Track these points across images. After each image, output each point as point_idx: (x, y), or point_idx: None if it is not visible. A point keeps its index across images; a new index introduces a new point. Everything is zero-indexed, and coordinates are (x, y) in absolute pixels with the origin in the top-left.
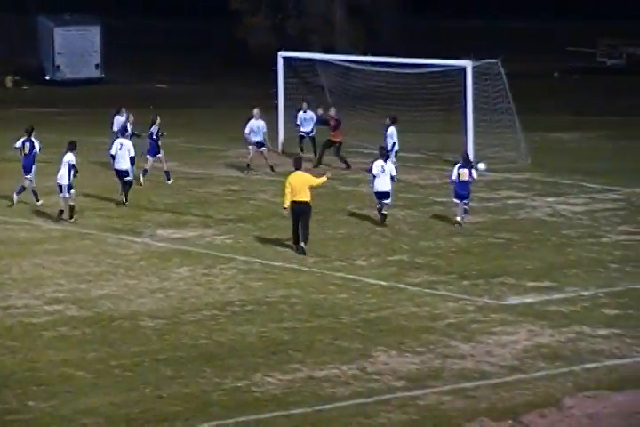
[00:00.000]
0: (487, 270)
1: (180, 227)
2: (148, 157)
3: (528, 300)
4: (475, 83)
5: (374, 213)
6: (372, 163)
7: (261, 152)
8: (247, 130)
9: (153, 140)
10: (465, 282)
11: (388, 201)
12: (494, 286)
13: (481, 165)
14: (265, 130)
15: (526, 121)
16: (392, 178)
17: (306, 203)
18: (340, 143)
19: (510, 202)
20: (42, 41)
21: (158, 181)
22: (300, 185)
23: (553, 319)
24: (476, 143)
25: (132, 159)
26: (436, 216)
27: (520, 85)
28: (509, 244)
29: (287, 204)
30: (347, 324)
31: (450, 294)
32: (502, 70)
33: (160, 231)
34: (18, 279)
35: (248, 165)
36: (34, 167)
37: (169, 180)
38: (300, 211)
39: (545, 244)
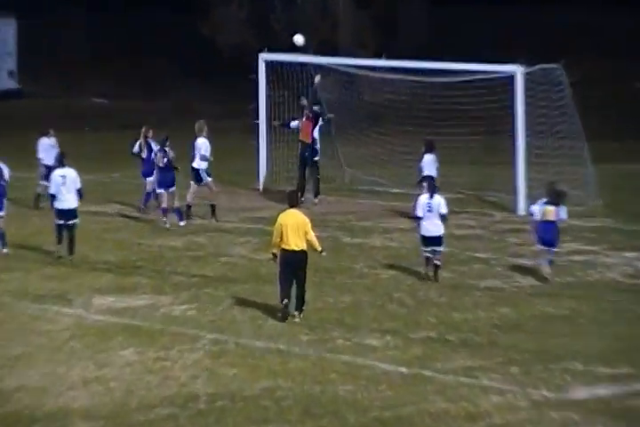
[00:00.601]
0: (544, 352)
1: (125, 293)
2: (161, 190)
3: (600, 392)
4: (527, 95)
5: (420, 269)
6: (416, 200)
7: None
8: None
9: (166, 167)
10: (514, 368)
11: (440, 248)
12: (554, 374)
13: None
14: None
15: (598, 149)
16: (442, 217)
17: (302, 252)
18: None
19: (576, 258)
20: None
21: (98, 229)
22: (296, 228)
23: (634, 419)
24: (528, 178)
25: (80, 192)
26: (475, 278)
27: (589, 100)
28: (575, 316)
29: (276, 250)
30: (353, 426)
31: (494, 384)
32: (565, 79)
33: (98, 299)
34: None
35: (212, 206)
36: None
37: (181, 220)
38: (295, 263)
39: (623, 316)
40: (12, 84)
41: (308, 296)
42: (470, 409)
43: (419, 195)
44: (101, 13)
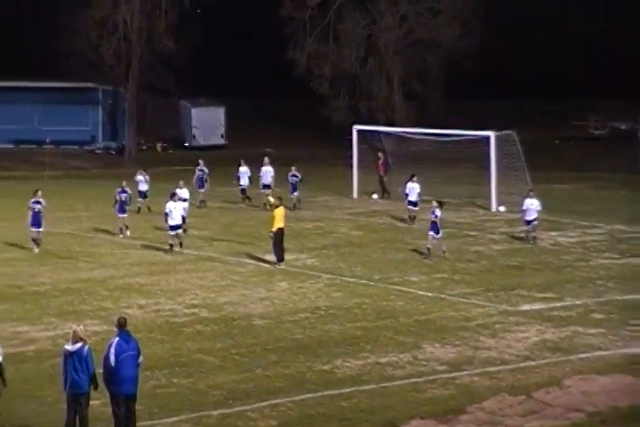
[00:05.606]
0: (506, 285)
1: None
2: None
3: (536, 307)
4: (497, 148)
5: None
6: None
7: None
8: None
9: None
10: (490, 293)
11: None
12: (511, 297)
13: (501, 208)
14: (249, 174)
15: (534, 176)
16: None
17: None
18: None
19: (523, 235)
20: (182, 118)
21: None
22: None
23: (555, 321)
24: (498, 192)
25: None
26: (468, 245)
27: (530, 150)
28: (522, 266)
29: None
30: (403, 324)
31: (479, 302)
32: (517, 138)
33: (267, 256)
34: (165, 290)
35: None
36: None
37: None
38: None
39: (549, 266)
40: (222, 141)
41: (378, 255)
42: (466, 315)
43: (525, 197)
44: (271, 101)
